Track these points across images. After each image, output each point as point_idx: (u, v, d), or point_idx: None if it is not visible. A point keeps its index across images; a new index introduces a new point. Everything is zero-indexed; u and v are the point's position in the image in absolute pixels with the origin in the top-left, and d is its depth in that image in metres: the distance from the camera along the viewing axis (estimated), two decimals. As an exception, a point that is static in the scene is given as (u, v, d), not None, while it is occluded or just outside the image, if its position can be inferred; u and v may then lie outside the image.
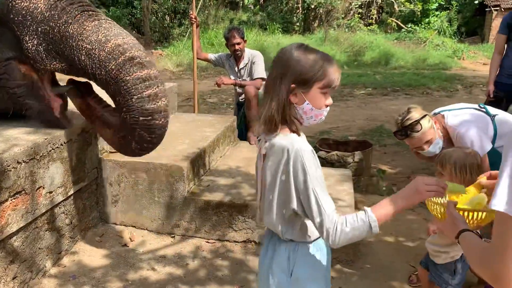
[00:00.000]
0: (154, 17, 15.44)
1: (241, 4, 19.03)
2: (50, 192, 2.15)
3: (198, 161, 2.76)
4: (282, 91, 1.18)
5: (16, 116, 2.34)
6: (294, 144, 1.17)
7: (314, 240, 1.31)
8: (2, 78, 2.10)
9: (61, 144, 2.20)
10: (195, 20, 4.06)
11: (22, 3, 1.96)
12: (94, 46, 1.91)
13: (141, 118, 1.91)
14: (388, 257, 2.50)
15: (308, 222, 1.27)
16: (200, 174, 2.81)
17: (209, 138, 3.04)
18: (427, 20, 17.43)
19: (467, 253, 0.98)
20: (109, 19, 2.06)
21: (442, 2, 17.55)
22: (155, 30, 15.32)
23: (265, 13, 18.50)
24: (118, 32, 1.97)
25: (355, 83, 9.83)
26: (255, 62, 3.98)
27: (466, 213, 1.13)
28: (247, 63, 4.04)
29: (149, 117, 1.92)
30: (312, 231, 1.30)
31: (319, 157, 4.07)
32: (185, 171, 2.54)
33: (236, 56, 4.02)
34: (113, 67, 1.89)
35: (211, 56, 4.33)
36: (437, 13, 17.58)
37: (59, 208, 2.27)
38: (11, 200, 1.89)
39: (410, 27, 16.67)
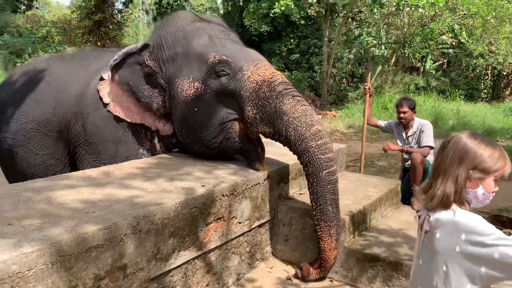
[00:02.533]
0: (332, 81, 16.46)
1: (421, 69, 18.79)
2: (240, 223, 2.73)
3: (359, 217, 3.06)
4: (461, 175, 1.40)
5: (220, 159, 3.06)
6: (467, 217, 1.38)
7: None
8: (229, 132, 2.87)
9: (252, 186, 2.79)
10: (368, 90, 4.51)
11: (251, 84, 2.74)
12: (302, 125, 2.62)
13: (328, 186, 2.60)
14: None
15: None
16: (360, 229, 3.09)
17: (371, 197, 3.32)
18: None
19: None
20: (310, 105, 2.76)
21: None
22: (331, 93, 16.27)
23: (447, 79, 17.86)
24: (318, 120, 2.67)
25: (548, 159, 8.71)
26: (424, 131, 4.15)
27: None
28: (415, 132, 4.23)
29: (333, 185, 2.61)
30: None
31: (488, 232, 3.92)
32: (347, 223, 2.87)
33: (404, 124, 4.26)
34: (313, 144, 2.59)
35: (381, 123, 4.66)
36: None
37: (244, 237, 2.83)
38: (214, 223, 2.51)
39: None
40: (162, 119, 3.11)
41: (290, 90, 2.73)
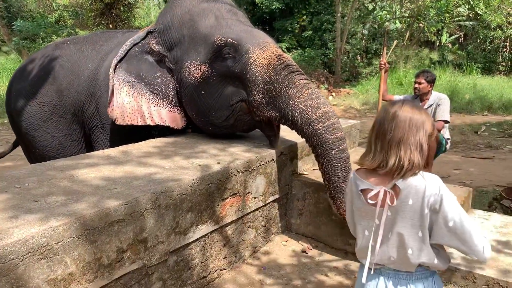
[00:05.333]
0: (345, 57, 16.25)
1: (437, 43, 18.39)
2: (255, 198, 2.80)
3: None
4: (424, 142, 1.43)
5: (235, 137, 3.12)
6: (435, 179, 1.43)
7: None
8: (240, 115, 2.91)
9: (266, 162, 2.85)
10: (384, 66, 4.47)
11: (257, 68, 2.74)
12: (308, 109, 2.61)
13: (339, 164, 2.59)
14: None
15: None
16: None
17: (385, 171, 3.34)
18: None
19: None
20: (316, 88, 2.74)
21: None
22: (345, 70, 16.08)
23: (464, 52, 17.48)
24: (324, 102, 2.65)
25: None
26: (440, 104, 4.13)
27: None
28: (432, 105, 4.21)
29: (344, 163, 2.61)
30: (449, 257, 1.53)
31: (502, 205, 3.93)
32: (361, 197, 2.92)
33: (420, 97, 4.24)
34: (320, 127, 2.59)
35: (397, 97, 4.63)
36: None
37: (259, 212, 2.90)
38: (230, 198, 2.58)
39: None
40: (177, 106, 3.09)
41: (296, 73, 2.70)
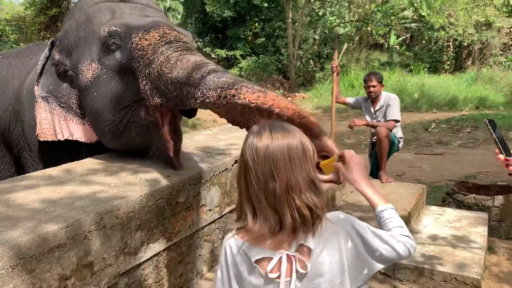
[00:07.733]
0: (299, 62, 16.49)
1: (385, 46, 19.04)
2: (210, 210, 2.71)
3: (328, 193, 3.09)
4: (311, 174, 1.12)
5: (186, 149, 3.02)
6: (344, 219, 1.21)
7: None
8: (134, 114, 2.48)
9: (220, 172, 2.77)
10: (336, 69, 4.52)
11: (138, 52, 2.36)
12: (174, 73, 2.12)
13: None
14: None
15: None
16: (330, 205, 3.13)
17: (341, 173, 3.36)
18: None
19: None
20: (195, 50, 2.33)
21: None
22: (299, 75, 16.32)
23: (411, 53, 18.18)
24: (193, 54, 2.21)
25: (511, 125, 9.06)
26: (390, 104, 4.21)
27: None
28: (382, 105, 4.29)
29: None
30: None
31: (455, 199, 4.04)
32: (318, 201, 2.90)
33: (372, 98, 4.31)
34: (191, 79, 2.04)
35: (349, 99, 4.70)
36: None
37: (215, 224, 2.81)
38: (183, 212, 2.47)
39: None
40: (85, 118, 2.75)
41: (175, 47, 2.27)
